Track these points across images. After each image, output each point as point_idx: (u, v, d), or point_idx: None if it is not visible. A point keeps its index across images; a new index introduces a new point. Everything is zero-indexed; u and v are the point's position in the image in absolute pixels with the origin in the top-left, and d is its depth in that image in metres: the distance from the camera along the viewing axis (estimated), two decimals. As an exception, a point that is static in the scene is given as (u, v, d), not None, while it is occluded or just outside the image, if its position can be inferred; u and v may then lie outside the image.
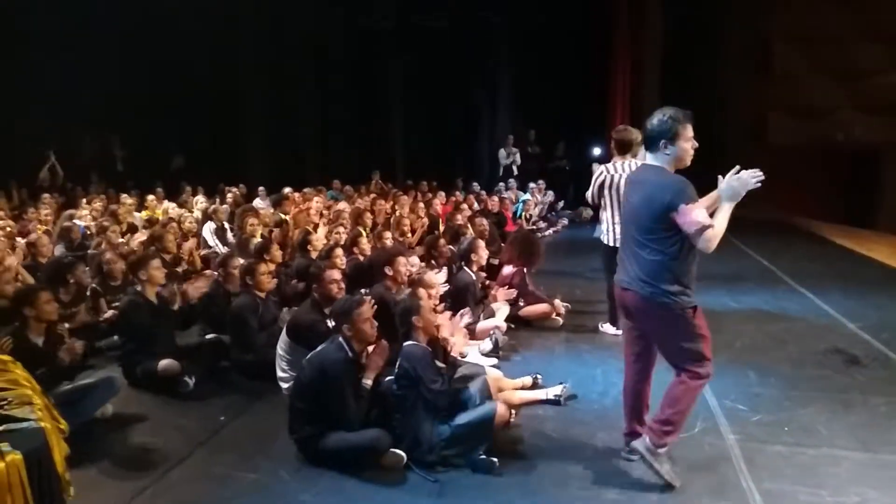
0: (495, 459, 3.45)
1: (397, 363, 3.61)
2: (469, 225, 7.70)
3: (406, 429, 3.53)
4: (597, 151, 13.85)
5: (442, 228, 8.22)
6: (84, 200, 9.72)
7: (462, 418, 3.51)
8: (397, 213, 8.61)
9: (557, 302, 6.04)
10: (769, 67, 14.04)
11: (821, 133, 13.45)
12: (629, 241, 3.21)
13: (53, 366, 3.87)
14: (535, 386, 4.38)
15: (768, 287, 7.23)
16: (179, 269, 6.48)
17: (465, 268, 5.78)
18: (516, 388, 4.27)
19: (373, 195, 10.67)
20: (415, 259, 5.90)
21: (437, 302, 4.82)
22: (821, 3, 13.22)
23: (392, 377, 3.69)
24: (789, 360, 4.93)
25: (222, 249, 7.35)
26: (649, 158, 3.22)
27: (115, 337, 5.14)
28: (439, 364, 3.76)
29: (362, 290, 4.57)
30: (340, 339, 3.65)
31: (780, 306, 6.45)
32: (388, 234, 6.90)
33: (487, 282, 6.17)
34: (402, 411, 3.56)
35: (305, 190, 10.18)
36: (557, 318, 5.96)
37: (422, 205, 9.39)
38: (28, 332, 3.92)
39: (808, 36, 13.40)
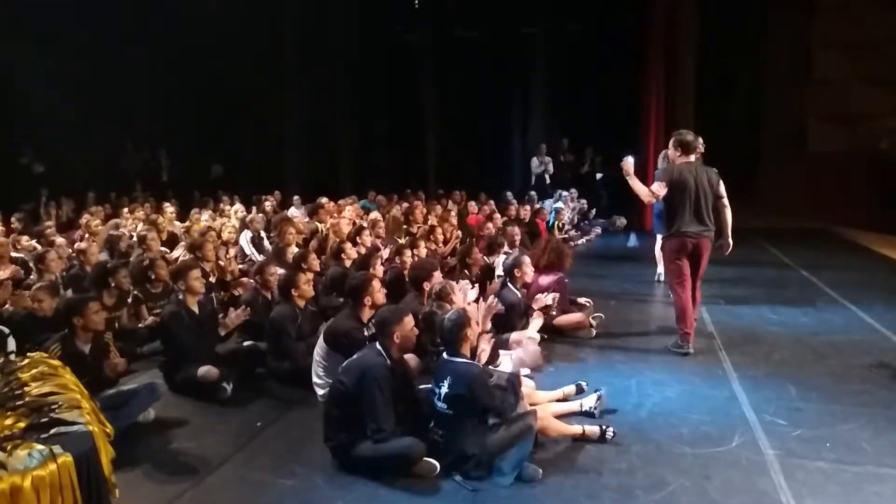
0: (539, 469, 3.45)
1: (446, 381, 3.53)
2: (503, 234, 7.68)
3: (452, 445, 3.50)
4: (631, 160, 13.70)
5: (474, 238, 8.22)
6: (126, 210, 10.02)
7: (505, 437, 3.49)
8: (429, 223, 8.66)
9: (585, 317, 5.95)
10: (809, 74, 13.76)
11: (863, 140, 13.10)
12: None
13: (98, 373, 4.01)
14: (579, 392, 4.34)
15: (809, 299, 7.05)
16: (213, 279, 6.62)
17: (509, 284, 5.61)
18: (550, 401, 4.25)
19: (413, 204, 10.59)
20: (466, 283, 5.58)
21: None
22: (862, 9, 12.89)
23: (429, 386, 3.71)
24: (831, 375, 4.81)
25: (259, 258, 7.49)
26: None
27: (157, 342, 5.27)
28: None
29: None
30: (378, 346, 3.70)
31: (821, 319, 6.30)
32: (422, 244, 6.92)
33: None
34: (448, 428, 3.55)
35: (340, 201, 10.31)
36: (591, 328, 5.91)
37: (454, 214, 9.42)
38: (76, 339, 4.06)
39: (849, 41, 13.09)
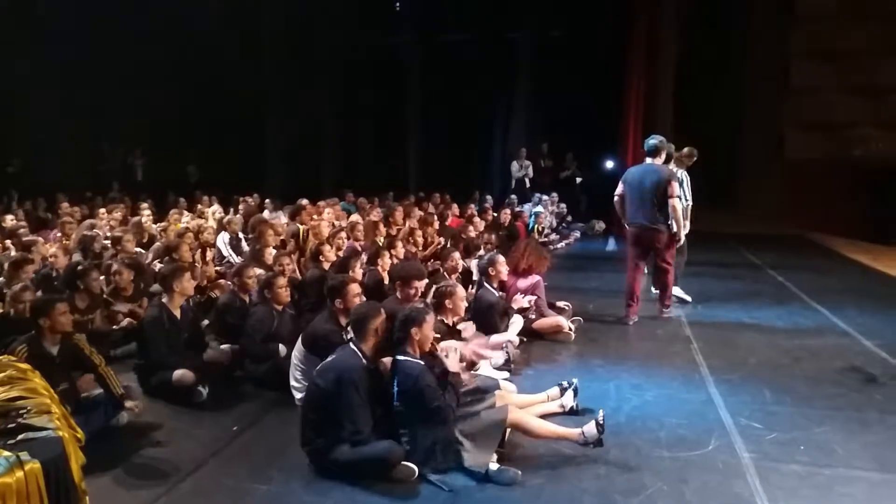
0: (518, 472, 3.45)
1: (396, 380, 3.58)
2: (480, 238, 7.70)
3: (415, 443, 3.53)
4: (609, 164, 13.84)
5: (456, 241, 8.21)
6: (103, 210, 9.84)
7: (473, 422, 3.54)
8: (408, 226, 8.64)
9: (564, 320, 5.97)
10: (787, 83, 14.01)
11: (838, 148, 13.39)
12: None
13: (66, 375, 3.93)
14: (563, 392, 4.34)
15: (784, 303, 7.16)
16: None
17: (486, 284, 5.64)
18: (532, 404, 4.26)
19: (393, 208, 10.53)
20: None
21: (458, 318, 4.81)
22: (839, 20, 13.18)
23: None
24: (805, 378, 4.88)
25: (236, 260, 7.41)
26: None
27: (133, 344, 5.18)
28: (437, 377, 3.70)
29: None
30: (353, 347, 3.67)
31: (795, 323, 6.39)
32: (399, 245, 6.90)
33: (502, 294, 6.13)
34: (408, 426, 3.56)
35: (320, 203, 10.23)
36: (570, 331, 5.93)
37: (436, 217, 9.40)
38: (43, 340, 3.96)
39: (827, 52, 13.37)
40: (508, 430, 3.69)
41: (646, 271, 6.90)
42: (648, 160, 6.26)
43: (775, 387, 4.68)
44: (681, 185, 6.54)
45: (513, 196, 12.47)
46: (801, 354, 5.42)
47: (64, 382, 3.91)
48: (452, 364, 3.65)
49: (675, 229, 6.23)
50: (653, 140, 6.27)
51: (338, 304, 4.47)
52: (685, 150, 7.21)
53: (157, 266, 6.58)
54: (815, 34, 13.48)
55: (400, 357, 3.65)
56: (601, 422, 3.60)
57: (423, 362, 3.64)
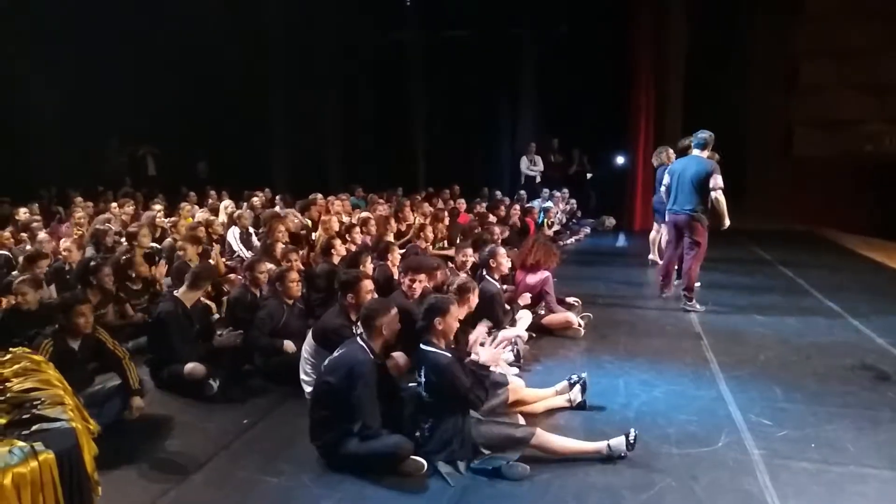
0: (527, 467, 3.46)
1: (422, 371, 3.60)
2: (487, 232, 7.67)
3: (435, 432, 3.52)
4: (620, 160, 13.80)
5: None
6: (114, 204, 9.89)
7: (496, 437, 3.54)
8: (418, 222, 8.64)
9: (574, 317, 5.97)
10: (795, 80, 13.90)
11: (848, 145, 13.29)
12: None
13: (85, 371, 3.98)
14: (571, 387, 4.34)
15: (794, 300, 7.12)
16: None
17: (488, 276, 5.67)
18: (541, 400, 4.26)
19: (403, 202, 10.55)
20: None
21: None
22: (847, 16, 13.06)
23: (414, 384, 3.71)
24: (815, 375, 4.85)
25: (247, 254, 7.44)
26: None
27: (144, 339, 5.22)
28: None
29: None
30: (361, 342, 3.68)
31: (806, 319, 6.35)
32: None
33: (505, 288, 6.13)
34: (433, 416, 3.56)
35: (329, 198, 10.25)
36: (579, 327, 5.93)
37: (446, 213, 9.40)
38: (67, 336, 4.03)
39: (834, 49, 13.26)
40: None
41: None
42: (696, 152, 6.60)
43: (786, 384, 4.66)
44: None
45: (522, 192, 12.46)
46: (811, 351, 5.39)
47: (82, 376, 3.97)
48: (484, 356, 3.64)
49: (705, 220, 6.59)
50: (702, 134, 6.58)
51: (349, 298, 4.48)
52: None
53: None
54: (822, 31, 13.36)
55: (426, 348, 3.64)
56: (632, 441, 3.57)
57: (449, 354, 3.64)
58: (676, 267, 7.22)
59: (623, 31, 12.53)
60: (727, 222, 6.58)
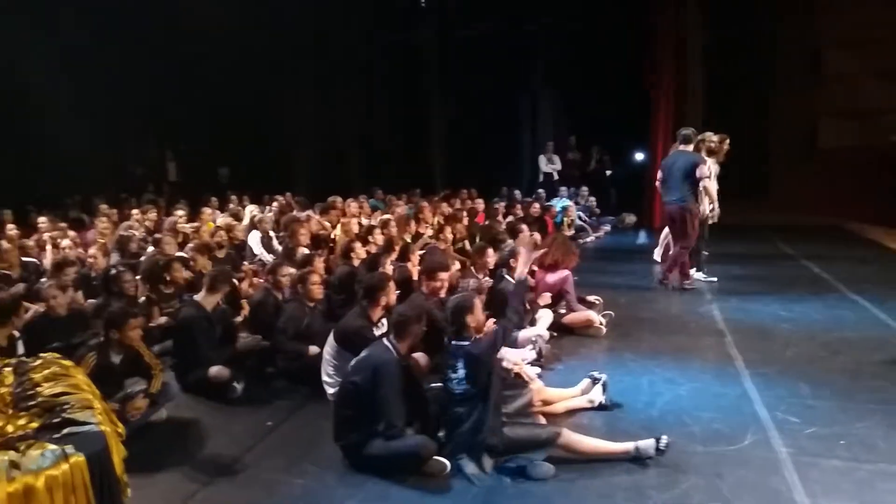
0: (552, 466, 3.44)
1: (460, 364, 3.56)
2: (509, 232, 7.65)
3: (469, 420, 3.51)
4: (640, 157, 13.67)
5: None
6: (135, 211, 10.04)
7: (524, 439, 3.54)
8: (437, 223, 8.65)
9: (595, 315, 5.94)
10: (819, 70, 13.65)
11: (874, 136, 12.99)
12: None
13: (122, 383, 4.10)
14: (594, 384, 4.32)
15: (821, 295, 6.99)
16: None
17: (507, 276, 5.65)
18: (564, 399, 4.25)
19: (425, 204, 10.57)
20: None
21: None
22: (871, 5, 12.79)
23: (437, 385, 3.72)
24: (844, 372, 4.77)
25: (268, 258, 7.51)
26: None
27: (168, 342, 5.29)
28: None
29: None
30: (387, 342, 3.70)
31: (833, 315, 6.24)
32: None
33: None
34: (470, 406, 3.54)
35: (349, 200, 10.30)
36: (600, 326, 5.89)
37: (465, 214, 9.41)
38: (110, 350, 4.11)
39: (858, 38, 12.98)
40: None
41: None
42: (682, 147, 7.21)
43: (813, 380, 4.58)
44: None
45: (540, 190, 12.40)
46: (839, 347, 5.29)
47: (116, 386, 4.04)
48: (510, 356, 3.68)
49: (695, 209, 7.07)
50: (685, 131, 7.28)
51: (381, 300, 4.51)
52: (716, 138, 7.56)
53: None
54: (846, 19, 13.09)
55: (460, 343, 3.65)
56: (662, 448, 3.52)
57: (483, 342, 3.66)
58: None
59: (642, 25, 12.41)
60: (717, 209, 7.25)
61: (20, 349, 4.24)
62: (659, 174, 7.44)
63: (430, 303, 4.85)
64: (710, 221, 7.42)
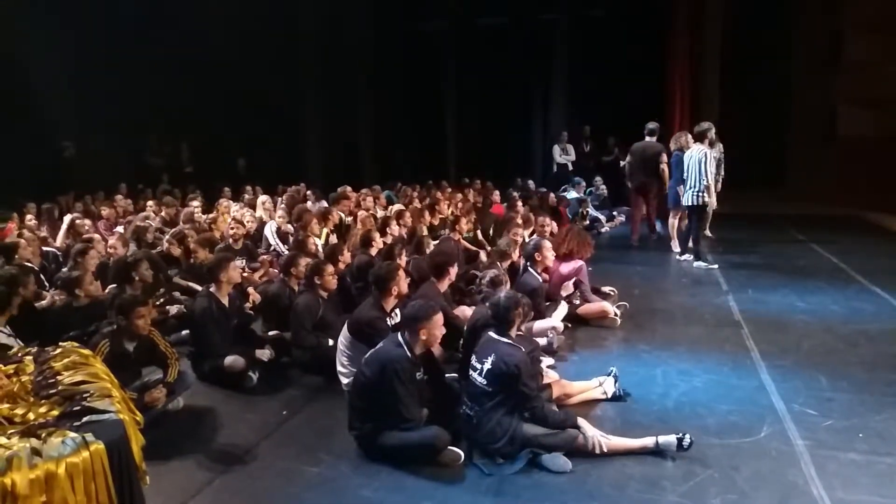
0: (569, 462, 3.44)
1: (490, 358, 3.53)
2: (525, 224, 7.59)
3: (484, 424, 3.50)
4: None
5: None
6: (150, 203, 10.11)
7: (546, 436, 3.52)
8: (452, 213, 8.63)
9: (609, 306, 5.90)
10: (838, 57, 13.41)
11: (894, 124, 12.76)
12: None
13: (138, 371, 4.14)
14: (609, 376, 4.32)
15: (839, 286, 6.90)
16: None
17: (531, 269, 5.58)
18: (580, 391, 4.24)
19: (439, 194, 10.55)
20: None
21: None
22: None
23: (454, 375, 3.72)
24: (862, 364, 4.72)
25: (283, 249, 7.54)
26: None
27: (186, 332, 5.34)
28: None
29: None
30: (400, 337, 3.70)
31: (851, 306, 6.16)
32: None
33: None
34: (483, 406, 3.53)
35: (363, 190, 10.31)
36: (615, 317, 5.86)
37: (479, 205, 9.39)
38: (123, 337, 4.14)
39: (879, 24, 12.72)
40: None
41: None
42: (648, 139, 9.14)
43: (831, 373, 4.54)
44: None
45: (555, 180, 12.31)
46: (857, 339, 5.23)
47: (133, 375, 4.08)
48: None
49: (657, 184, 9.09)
50: (651, 125, 9.19)
51: (391, 290, 4.50)
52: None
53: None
54: (866, 5, 12.84)
55: (498, 337, 3.65)
56: (686, 446, 3.48)
57: (523, 349, 3.65)
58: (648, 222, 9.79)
59: (659, 15, 12.25)
60: (665, 187, 8.92)
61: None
62: (628, 158, 9.40)
63: (441, 297, 4.86)
64: (710, 209, 8.08)
